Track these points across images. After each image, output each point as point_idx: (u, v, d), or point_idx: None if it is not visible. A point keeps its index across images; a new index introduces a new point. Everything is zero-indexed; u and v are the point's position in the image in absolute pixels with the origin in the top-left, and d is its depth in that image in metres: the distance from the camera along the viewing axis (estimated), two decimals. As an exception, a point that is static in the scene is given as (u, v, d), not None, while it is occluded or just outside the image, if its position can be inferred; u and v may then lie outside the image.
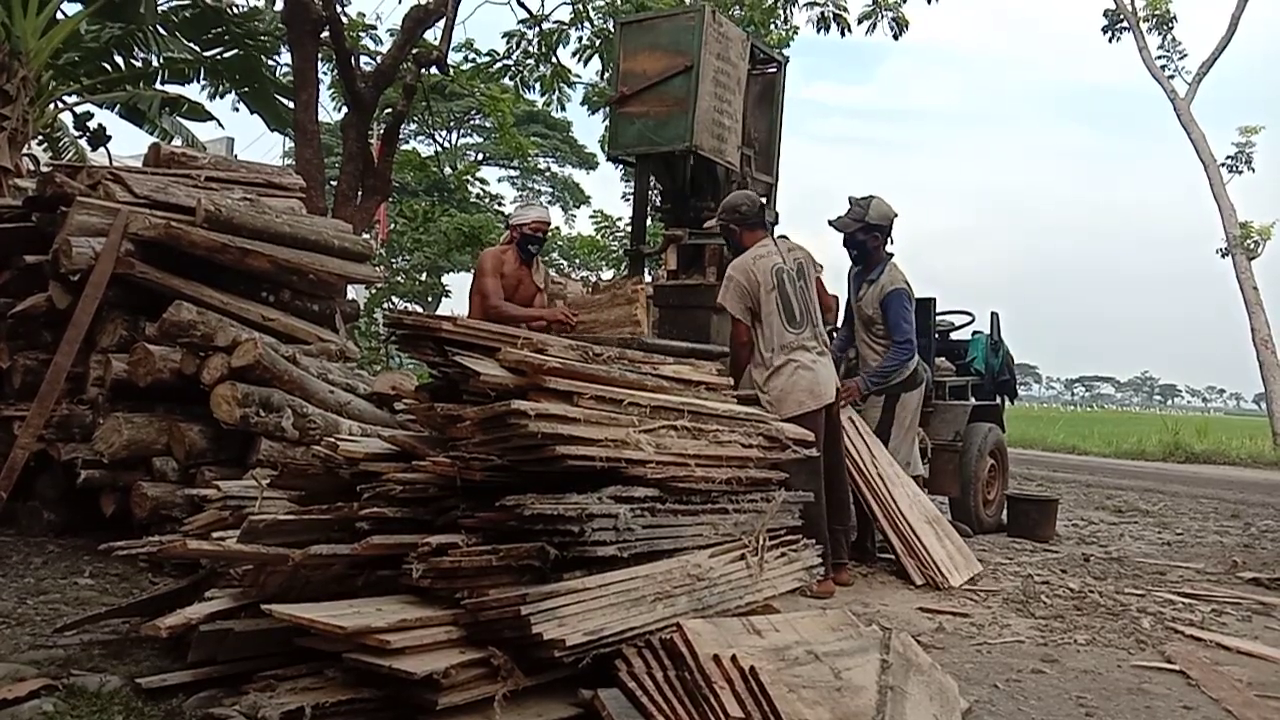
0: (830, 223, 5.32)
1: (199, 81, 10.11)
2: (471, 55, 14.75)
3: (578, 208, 33.44)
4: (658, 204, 6.08)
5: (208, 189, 5.10)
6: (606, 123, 8.22)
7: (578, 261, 25.15)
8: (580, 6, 12.05)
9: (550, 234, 6.09)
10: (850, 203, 5.29)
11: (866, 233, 5.22)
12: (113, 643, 2.96)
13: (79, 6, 8.42)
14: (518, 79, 13.18)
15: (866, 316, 5.30)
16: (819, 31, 12.15)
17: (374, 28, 12.92)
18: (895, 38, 12.20)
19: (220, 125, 11.70)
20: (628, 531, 2.50)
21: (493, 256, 5.47)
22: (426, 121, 19.12)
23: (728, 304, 4.55)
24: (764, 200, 4.87)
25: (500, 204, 26.05)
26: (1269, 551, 6.32)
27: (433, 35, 10.76)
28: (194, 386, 4.31)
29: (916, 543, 4.77)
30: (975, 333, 7.26)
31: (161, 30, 9.35)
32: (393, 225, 18.47)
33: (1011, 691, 3.10)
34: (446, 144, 31.70)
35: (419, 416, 2.78)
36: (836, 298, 5.66)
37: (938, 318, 6.83)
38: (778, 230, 6.03)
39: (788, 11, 12.57)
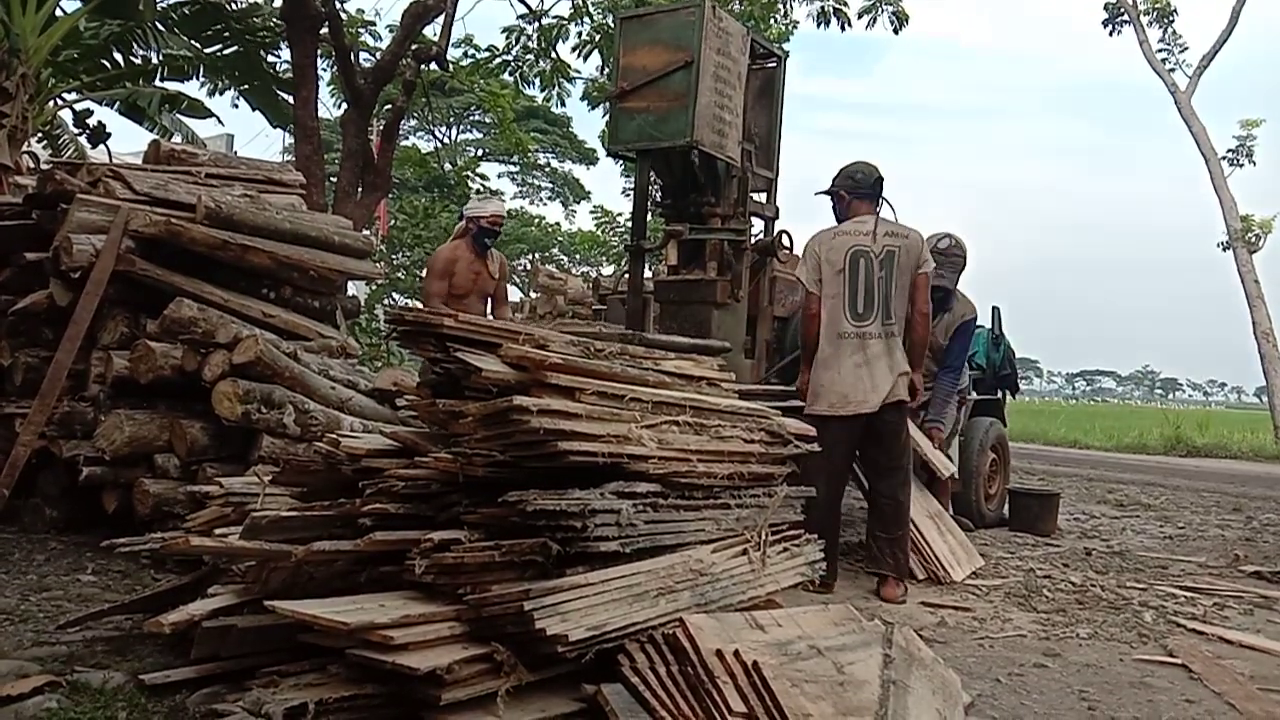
0: (938, 273, 5.18)
1: (198, 78, 10.09)
2: (471, 51, 14.75)
3: (578, 203, 33.44)
4: (658, 199, 6.06)
5: (208, 186, 5.10)
6: (606, 118, 8.20)
7: (578, 257, 25.16)
8: (580, 2, 12.03)
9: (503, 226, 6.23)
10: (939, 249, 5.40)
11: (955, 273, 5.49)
12: (116, 639, 2.97)
13: (78, 3, 8.41)
14: (517, 74, 13.16)
15: (935, 344, 5.42)
16: (819, 26, 12.15)
17: (373, 24, 12.97)
18: (895, 32, 12.18)
19: (220, 122, 11.71)
20: (630, 527, 2.50)
21: (443, 258, 5.61)
22: (426, 117, 19.10)
23: (801, 275, 4.50)
24: (880, 176, 4.61)
25: (501, 201, 25.99)
26: (1271, 545, 6.32)
27: (432, 31, 10.75)
28: (195, 383, 4.31)
29: (918, 537, 4.77)
30: (977, 327, 7.24)
31: (160, 27, 9.32)
32: (393, 221, 18.43)
33: (1014, 685, 3.11)
34: (446, 140, 31.64)
35: (421, 412, 2.77)
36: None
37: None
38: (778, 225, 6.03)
39: (787, 6, 12.56)
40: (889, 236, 4.39)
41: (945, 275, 5.49)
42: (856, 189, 4.52)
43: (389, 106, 11.47)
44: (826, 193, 4.68)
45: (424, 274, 5.71)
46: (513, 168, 32.55)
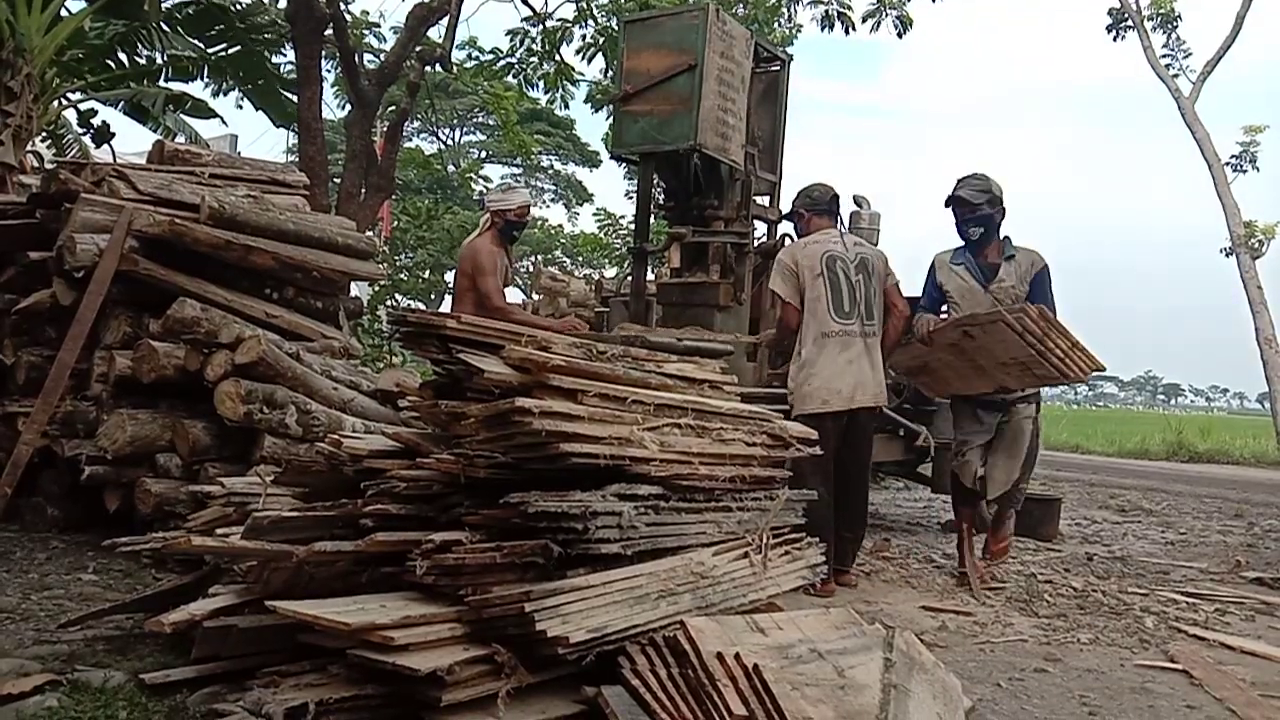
0: (959, 196, 4.77)
1: (202, 78, 10.11)
2: (475, 53, 14.77)
3: (581, 205, 33.51)
4: (661, 202, 6.07)
5: (212, 186, 5.10)
6: (610, 120, 8.22)
7: (580, 259, 25.17)
8: (584, 4, 12.05)
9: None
10: (963, 182, 4.80)
11: (993, 206, 4.77)
12: (117, 638, 2.97)
13: (83, 3, 8.43)
14: (521, 77, 13.18)
15: (1010, 294, 4.80)
16: (823, 30, 12.18)
17: (377, 25, 12.97)
18: (899, 36, 12.22)
19: (224, 122, 11.77)
20: (631, 529, 2.50)
21: (489, 253, 5.18)
22: (430, 119, 19.16)
23: (775, 287, 4.55)
24: (836, 194, 4.79)
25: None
26: (1272, 551, 6.32)
27: (436, 33, 10.79)
28: (198, 383, 4.31)
29: None
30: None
31: (165, 27, 9.35)
32: (396, 223, 18.47)
33: (1014, 690, 3.10)
34: (450, 141, 31.75)
35: (423, 414, 2.78)
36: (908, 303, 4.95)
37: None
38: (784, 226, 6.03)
39: (791, 10, 12.60)
40: (858, 245, 4.66)
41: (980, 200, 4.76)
42: (814, 206, 4.71)
43: (393, 108, 11.51)
44: (787, 216, 4.90)
45: (469, 271, 5.16)
46: (516, 170, 32.61)
